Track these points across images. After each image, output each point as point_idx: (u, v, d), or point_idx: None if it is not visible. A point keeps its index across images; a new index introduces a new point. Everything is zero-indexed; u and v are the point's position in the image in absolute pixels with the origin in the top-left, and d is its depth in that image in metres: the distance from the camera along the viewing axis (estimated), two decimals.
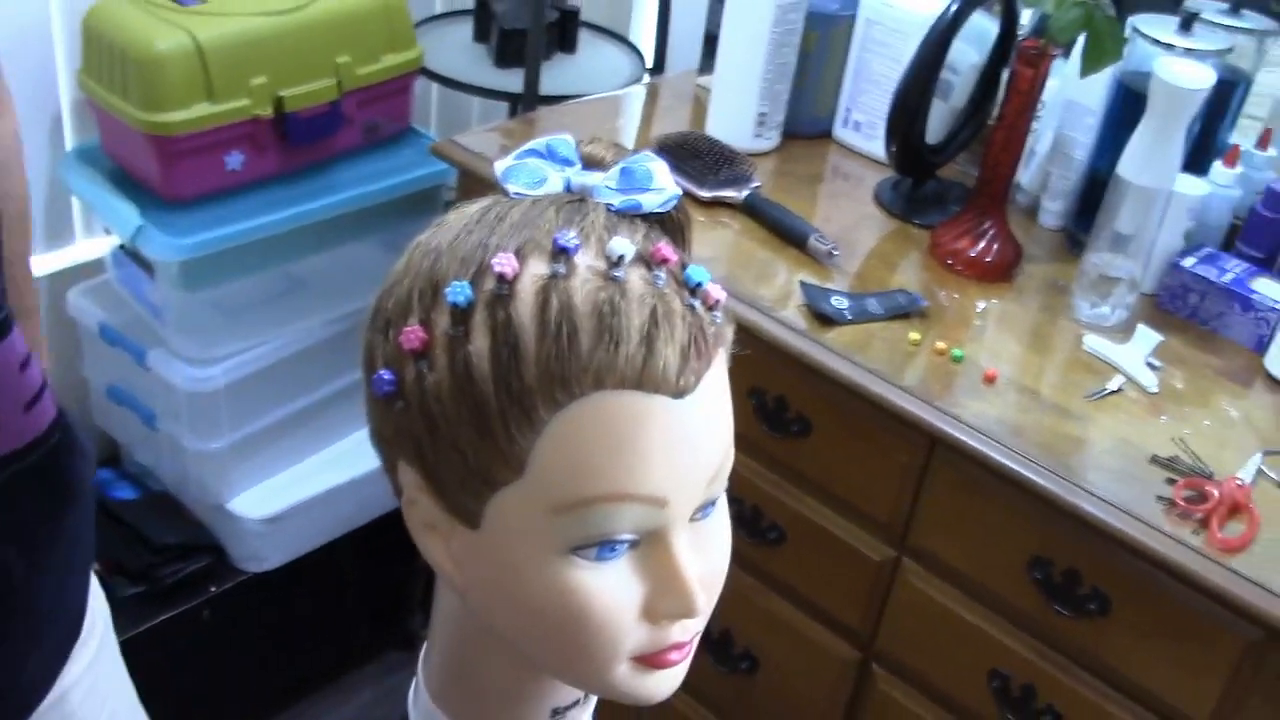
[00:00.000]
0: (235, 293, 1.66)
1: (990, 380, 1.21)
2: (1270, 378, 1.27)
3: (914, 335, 1.26)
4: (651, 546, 0.53)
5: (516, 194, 0.55)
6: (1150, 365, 1.25)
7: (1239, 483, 1.09)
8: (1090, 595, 1.13)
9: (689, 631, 0.56)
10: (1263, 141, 1.39)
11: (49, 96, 1.65)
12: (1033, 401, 1.20)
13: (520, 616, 0.54)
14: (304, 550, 1.78)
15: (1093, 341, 1.28)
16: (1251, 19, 1.37)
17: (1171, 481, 1.11)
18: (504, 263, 0.50)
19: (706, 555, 0.55)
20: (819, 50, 1.58)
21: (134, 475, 1.80)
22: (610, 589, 0.52)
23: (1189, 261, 1.34)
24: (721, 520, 0.57)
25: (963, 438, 1.15)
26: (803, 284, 1.31)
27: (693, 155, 1.46)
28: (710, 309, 0.53)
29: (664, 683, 0.56)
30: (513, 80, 1.78)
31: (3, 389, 0.72)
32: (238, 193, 1.58)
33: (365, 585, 1.94)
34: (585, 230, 0.52)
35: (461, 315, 0.51)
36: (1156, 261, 1.35)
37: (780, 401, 1.29)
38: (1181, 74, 1.21)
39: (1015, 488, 1.13)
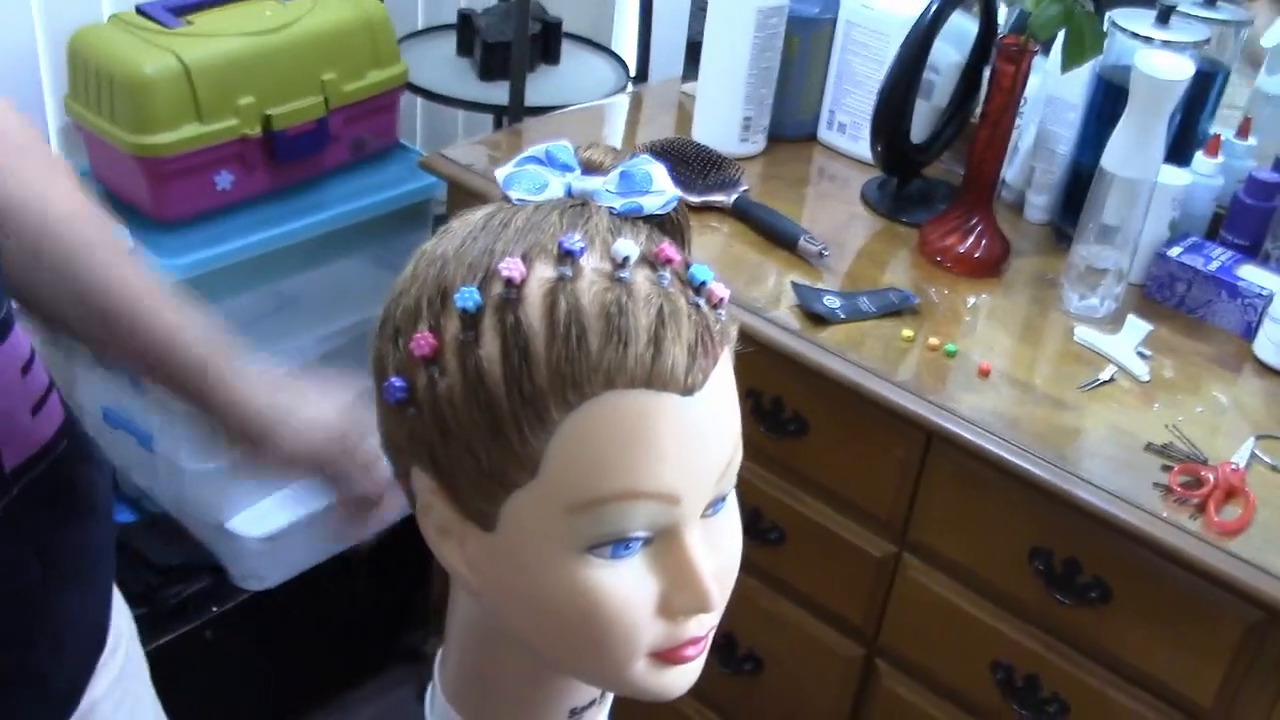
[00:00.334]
0: (228, 312, 1.64)
1: (984, 374, 1.22)
2: (1259, 363, 1.28)
3: (907, 332, 1.27)
4: (665, 543, 0.54)
5: (519, 200, 0.56)
6: (1141, 354, 1.27)
7: (1233, 467, 1.11)
8: (1091, 583, 1.14)
9: (705, 626, 0.56)
10: (1242, 130, 1.41)
11: (36, 122, 1.63)
12: (1027, 394, 1.21)
13: (537, 617, 0.55)
14: (304, 567, 1.78)
15: (1083, 333, 1.30)
16: (1226, 10, 1.39)
17: (1167, 468, 1.12)
18: (511, 267, 0.51)
19: (719, 550, 0.56)
20: (801, 54, 1.59)
21: (132, 498, 1.79)
22: (626, 586, 0.53)
23: (1175, 251, 1.36)
24: (732, 515, 0.58)
25: (959, 431, 1.16)
26: (794, 285, 1.32)
27: (680, 161, 1.47)
28: (714, 307, 0.54)
29: (681, 678, 0.57)
30: (497, 93, 1.79)
31: (4, 393, 0.71)
32: (228, 212, 1.58)
33: (367, 601, 1.95)
34: (589, 233, 0.53)
35: (471, 320, 0.51)
36: (1143, 252, 1.36)
37: (777, 402, 1.30)
38: (1161, 66, 1.23)
39: (1013, 479, 1.14)
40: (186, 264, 1.52)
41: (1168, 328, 1.32)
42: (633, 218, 0.55)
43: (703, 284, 0.54)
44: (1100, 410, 1.20)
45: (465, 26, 1.89)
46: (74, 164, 1.64)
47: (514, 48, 1.71)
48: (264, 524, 1.72)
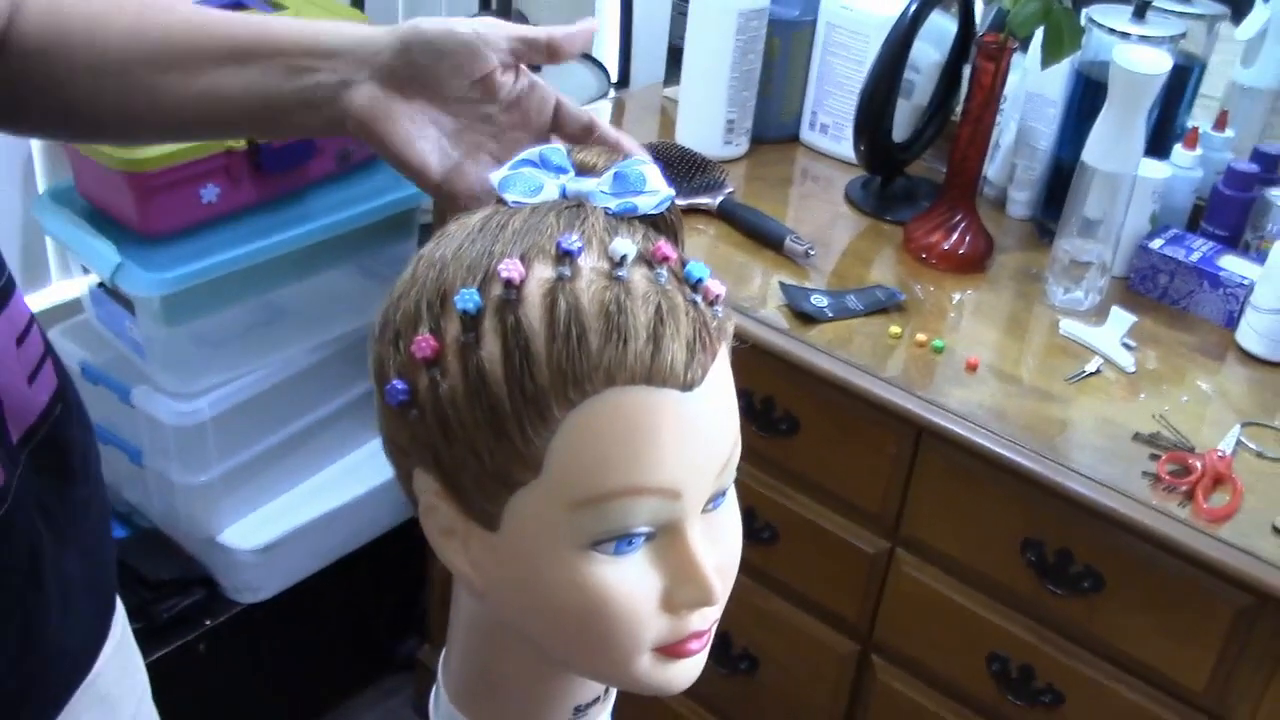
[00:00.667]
0: (216, 325, 1.66)
1: (972, 368, 1.24)
2: (1242, 351, 1.30)
3: (894, 329, 1.28)
4: (667, 538, 0.54)
5: (514, 202, 0.57)
6: (1126, 346, 1.28)
7: (1220, 454, 1.12)
8: (1083, 573, 1.15)
9: (708, 620, 0.57)
10: (1219, 123, 1.43)
11: (19, 140, 1.65)
12: (1015, 387, 1.22)
13: (542, 614, 0.55)
14: (297, 579, 1.78)
15: (1069, 326, 1.31)
16: (1201, 4, 1.40)
17: (1155, 457, 1.13)
18: (510, 268, 0.51)
19: (721, 544, 0.57)
20: (782, 56, 1.61)
21: (123, 514, 1.79)
22: (630, 582, 0.53)
23: (1156, 243, 1.37)
24: (732, 510, 0.58)
25: (949, 425, 1.17)
26: (782, 285, 1.33)
27: (665, 164, 1.47)
28: (711, 304, 0.55)
29: (685, 672, 0.57)
30: None
31: (2, 366, 0.69)
32: (215, 225, 1.58)
33: (360, 610, 1.95)
34: (587, 233, 0.53)
35: (471, 322, 0.52)
36: (1125, 245, 1.37)
37: (767, 401, 1.31)
38: (1139, 60, 1.24)
39: (1003, 472, 1.15)
40: (174, 278, 1.52)
41: (1151, 319, 1.34)
42: (628, 218, 0.56)
43: (699, 281, 0.54)
44: (1087, 402, 1.21)
45: None
46: (59, 179, 1.66)
47: None
48: (256, 536, 1.71)
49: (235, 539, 1.71)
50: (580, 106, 0.73)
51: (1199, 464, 1.11)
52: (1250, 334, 1.29)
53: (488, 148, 0.71)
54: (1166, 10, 1.38)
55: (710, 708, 1.54)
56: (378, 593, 1.94)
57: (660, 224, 0.58)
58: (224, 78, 0.71)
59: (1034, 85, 1.45)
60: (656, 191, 0.57)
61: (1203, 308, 1.35)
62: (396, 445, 0.57)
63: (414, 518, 0.57)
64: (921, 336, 1.27)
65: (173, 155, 1.49)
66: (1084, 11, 1.39)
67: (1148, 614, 1.13)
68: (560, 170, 0.58)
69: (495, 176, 0.58)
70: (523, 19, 1.91)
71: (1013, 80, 1.44)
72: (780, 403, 1.31)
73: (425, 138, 0.69)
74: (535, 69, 0.73)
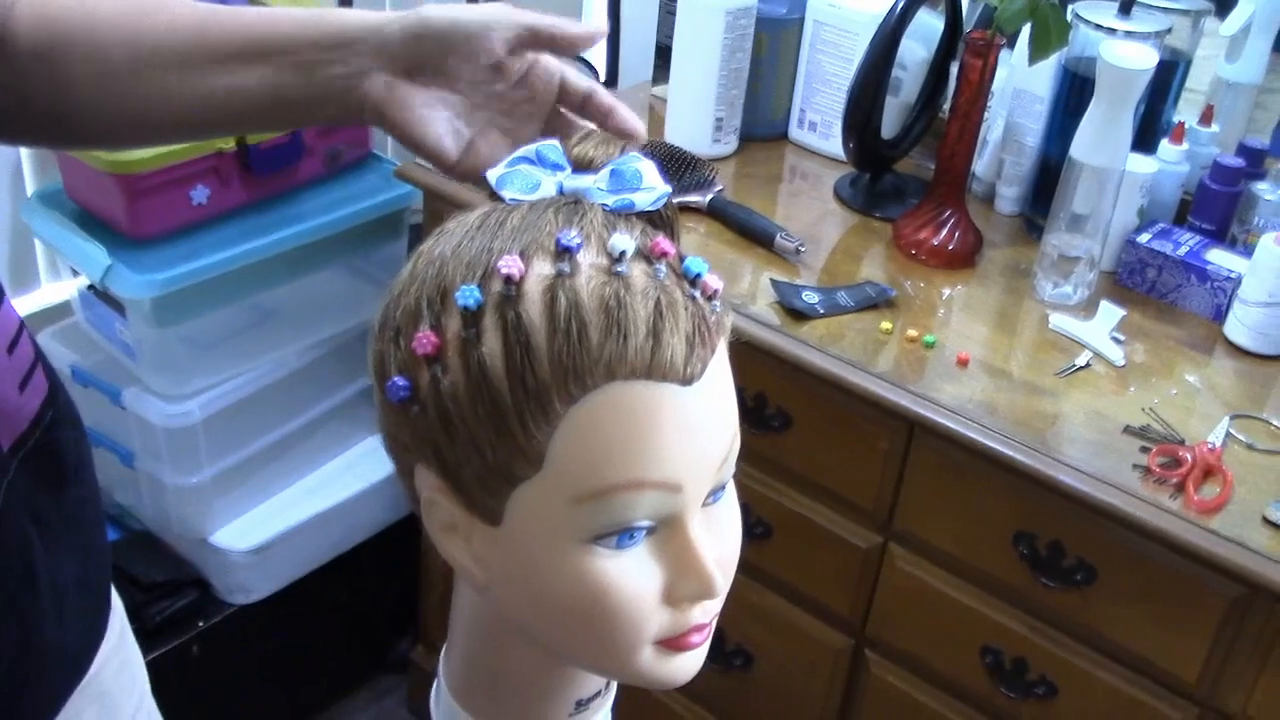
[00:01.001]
0: (207, 326, 1.65)
1: (963, 363, 1.24)
2: (1230, 344, 1.31)
3: (885, 325, 1.29)
4: (668, 532, 0.54)
5: (512, 200, 0.57)
6: (1115, 340, 1.29)
7: (1210, 446, 1.13)
8: (1075, 566, 1.16)
9: (709, 613, 0.57)
10: (1205, 118, 1.44)
11: None
12: (1005, 381, 1.23)
13: (544, 609, 0.56)
14: (290, 579, 1.78)
15: (1058, 320, 1.32)
16: (1186, 0, 1.41)
17: (1145, 450, 1.14)
18: (510, 265, 0.52)
19: (721, 537, 0.57)
20: (770, 54, 1.61)
21: (114, 516, 1.79)
22: (631, 575, 0.54)
23: (1144, 237, 1.38)
24: (732, 503, 0.59)
25: (940, 420, 1.18)
26: (773, 281, 1.33)
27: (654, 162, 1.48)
28: (709, 299, 0.55)
29: (687, 664, 0.58)
30: None
31: None
32: (204, 227, 1.58)
33: (353, 611, 1.94)
34: (585, 229, 0.54)
35: (472, 318, 0.52)
36: (1113, 239, 1.38)
37: (759, 398, 1.32)
38: (1126, 56, 1.25)
39: (995, 466, 1.16)
40: (163, 280, 1.51)
41: (1140, 313, 1.34)
42: (625, 214, 0.56)
43: (697, 276, 0.55)
44: (1078, 395, 1.22)
45: None
46: (48, 181, 1.65)
47: None
48: (248, 537, 1.71)
49: (227, 540, 1.70)
50: (580, 76, 0.74)
51: (1189, 456, 1.12)
52: (1238, 327, 1.30)
53: (498, 123, 0.72)
54: (1152, 6, 1.39)
55: (705, 704, 1.55)
56: (370, 593, 1.94)
57: (657, 220, 0.59)
58: (234, 76, 0.71)
59: (1021, 81, 1.46)
60: (653, 188, 0.57)
61: (1191, 301, 1.36)
62: (397, 442, 0.57)
63: (407, 518, 0.58)
64: (912, 332, 1.28)
65: (162, 157, 1.49)
66: (1070, 8, 1.40)
67: (1140, 605, 1.14)
68: (557, 167, 0.59)
69: (492, 174, 0.58)
70: None
71: (1000, 76, 1.44)
72: (772, 399, 1.31)
73: (439, 120, 0.71)
74: None
